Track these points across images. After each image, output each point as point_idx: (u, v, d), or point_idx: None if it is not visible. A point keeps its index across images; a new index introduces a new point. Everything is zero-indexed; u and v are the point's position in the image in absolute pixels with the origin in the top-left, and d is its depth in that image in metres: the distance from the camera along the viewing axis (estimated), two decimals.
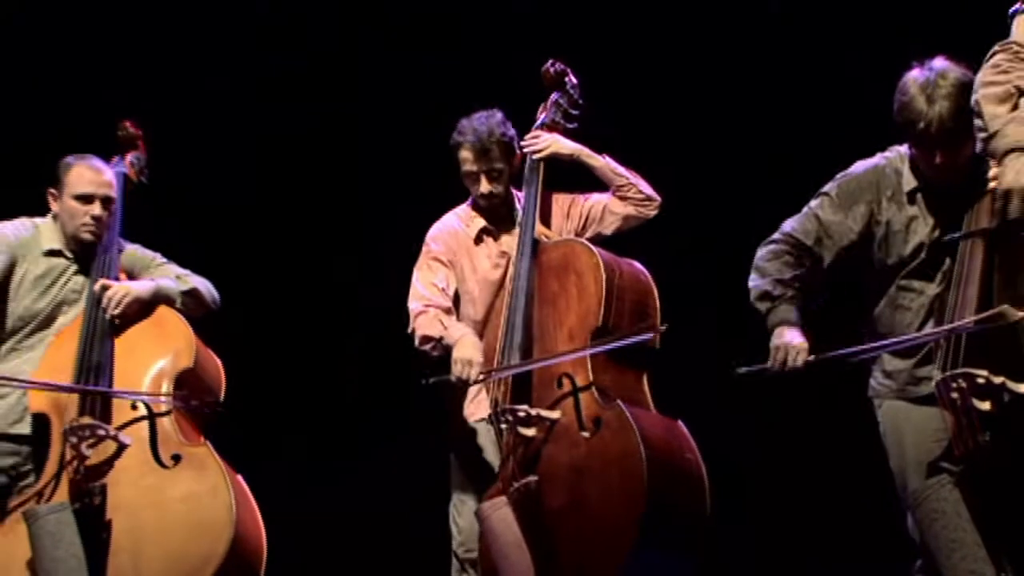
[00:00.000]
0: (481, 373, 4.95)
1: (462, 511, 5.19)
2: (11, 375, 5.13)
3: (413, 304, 5.19)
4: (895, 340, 4.37)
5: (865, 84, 5.08)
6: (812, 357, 4.42)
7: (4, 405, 5.21)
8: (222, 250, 5.77)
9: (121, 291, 5.20)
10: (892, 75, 4.32)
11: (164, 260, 5.45)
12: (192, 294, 5.33)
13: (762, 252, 4.56)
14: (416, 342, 5.15)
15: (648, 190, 5.29)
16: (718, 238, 6.16)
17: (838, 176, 4.52)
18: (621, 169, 5.28)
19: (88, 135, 5.53)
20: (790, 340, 4.43)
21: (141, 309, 5.24)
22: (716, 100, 6.36)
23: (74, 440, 4.99)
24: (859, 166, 4.50)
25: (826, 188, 4.51)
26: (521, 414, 4.94)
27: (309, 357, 6.72)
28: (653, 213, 5.29)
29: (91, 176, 5.25)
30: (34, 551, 4.87)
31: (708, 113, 6.35)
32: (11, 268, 5.22)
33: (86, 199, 5.24)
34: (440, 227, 5.35)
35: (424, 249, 5.30)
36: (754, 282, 4.54)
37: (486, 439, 5.18)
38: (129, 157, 5.52)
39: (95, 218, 5.24)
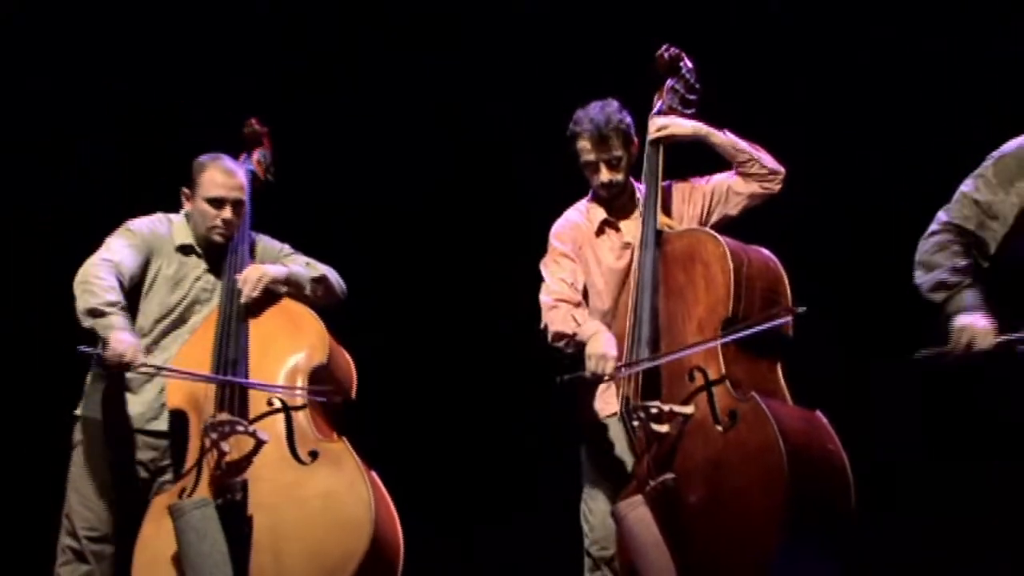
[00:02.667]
0: (617, 367, 4.86)
1: (594, 508, 5.12)
2: (148, 376, 5.13)
3: (544, 298, 5.12)
4: None
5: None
6: (1001, 339, 4.26)
7: (142, 402, 5.20)
8: (345, 250, 5.67)
9: (256, 272, 5.19)
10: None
11: (292, 250, 5.45)
12: (321, 281, 5.32)
13: (926, 246, 4.43)
14: (549, 338, 5.07)
15: (771, 163, 5.14)
16: (848, 221, 6.03)
17: (991, 156, 4.35)
18: (743, 144, 5.15)
19: (215, 132, 5.54)
20: (974, 322, 4.31)
21: (272, 297, 5.22)
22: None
23: (214, 436, 4.97)
24: (1013, 143, 4.33)
25: (980, 170, 4.35)
26: (653, 410, 4.82)
27: (442, 359, 6.66)
28: (778, 188, 5.15)
29: (223, 179, 5.24)
30: (180, 546, 4.86)
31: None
32: (147, 264, 5.19)
33: (218, 203, 5.24)
34: (562, 223, 5.29)
35: (549, 247, 5.24)
36: (923, 277, 4.42)
37: (617, 435, 5.08)
38: (256, 155, 5.52)
39: (226, 221, 5.25)
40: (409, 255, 6.61)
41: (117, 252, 5.12)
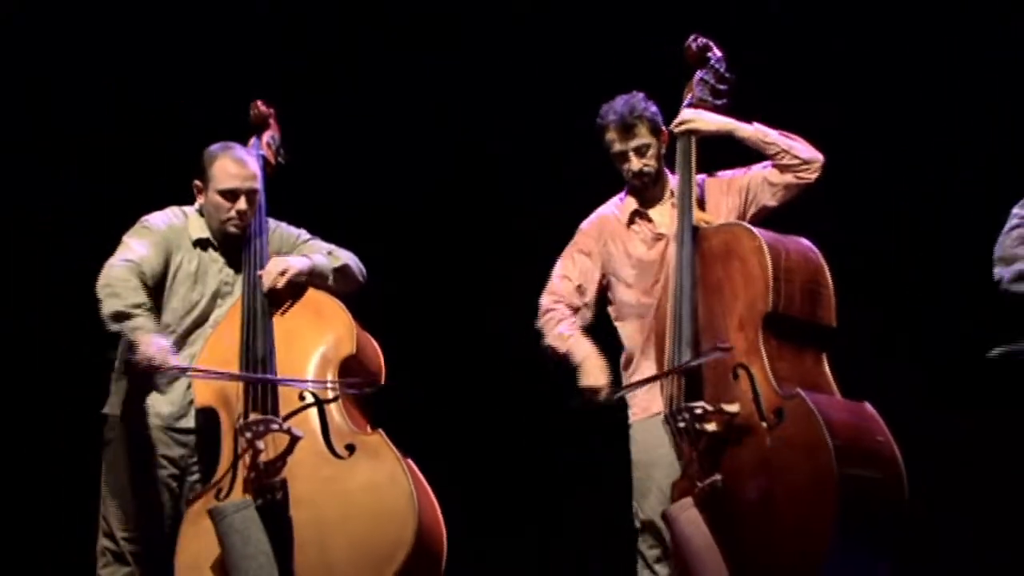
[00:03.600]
0: (613, 392, 4.96)
1: (644, 507, 5.08)
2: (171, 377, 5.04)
3: (544, 299, 5.19)
4: None
5: None
6: None
7: (170, 401, 5.11)
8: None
9: (279, 266, 5.09)
10: None
11: (309, 236, 5.32)
12: (343, 270, 5.22)
13: (1006, 241, 4.38)
14: (542, 342, 5.12)
15: (805, 152, 5.03)
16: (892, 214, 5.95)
17: None
18: (773, 135, 5.05)
19: (219, 116, 5.48)
20: None
21: (294, 289, 5.11)
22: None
23: (248, 436, 4.90)
24: None
25: None
26: (698, 410, 4.76)
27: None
28: (814, 176, 5.04)
29: (235, 170, 5.09)
30: (223, 549, 4.81)
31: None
32: (167, 261, 5.09)
33: (231, 195, 5.09)
34: (593, 215, 5.29)
35: (573, 239, 5.24)
36: (1004, 271, 4.33)
37: (664, 435, 5.00)
38: (265, 138, 5.35)
39: (240, 213, 5.10)
40: (409, 254, 6.54)
41: (138, 252, 5.01)
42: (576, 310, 5.14)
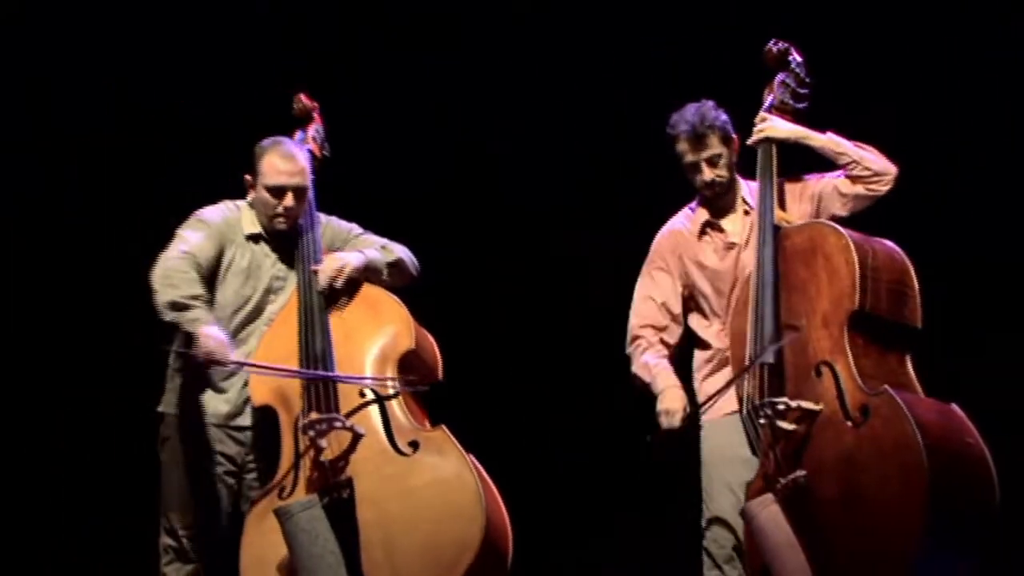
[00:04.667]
0: (688, 414, 4.93)
1: (712, 507, 5.02)
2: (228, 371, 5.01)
3: (631, 323, 5.18)
4: None
5: None
6: None
7: (226, 399, 5.09)
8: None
9: (335, 263, 5.07)
10: None
11: (361, 231, 5.30)
12: (397, 265, 5.19)
13: None
14: (632, 367, 5.11)
15: (878, 164, 5.00)
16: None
17: None
18: (847, 145, 5.03)
19: (263, 110, 5.44)
20: None
21: (350, 284, 5.09)
22: None
23: (311, 434, 4.88)
24: None
25: None
26: (780, 407, 4.72)
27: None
28: (885, 189, 5.01)
29: (283, 166, 5.06)
30: (290, 548, 4.77)
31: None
32: (220, 255, 5.06)
33: (278, 191, 5.06)
34: (664, 230, 5.24)
35: (648, 256, 5.20)
36: None
37: (737, 433, 4.95)
38: (310, 131, 5.34)
39: (288, 209, 5.07)
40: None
41: (193, 244, 4.98)
42: (663, 329, 5.09)
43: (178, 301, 4.81)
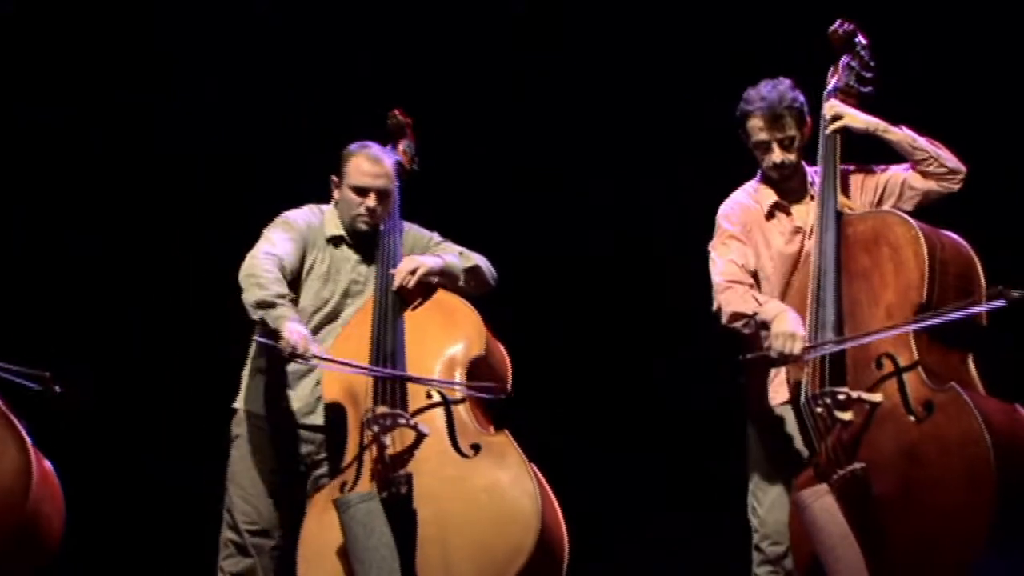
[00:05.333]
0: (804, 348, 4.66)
1: (763, 501, 4.96)
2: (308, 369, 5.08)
3: (716, 279, 4.94)
4: None
5: None
6: None
7: (299, 397, 5.14)
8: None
9: (412, 264, 5.12)
10: None
11: (441, 239, 5.36)
12: (474, 272, 5.25)
13: None
14: (724, 319, 4.88)
15: (952, 162, 4.92)
16: None
17: None
18: (922, 141, 4.93)
19: (360, 125, 5.44)
20: None
21: (426, 288, 5.15)
22: None
23: (375, 429, 4.89)
24: None
25: None
26: (841, 397, 4.63)
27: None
28: (957, 187, 4.94)
29: (368, 167, 5.15)
30: (347, 540, 4.78)
31: None
32: (303, 257, 5.14)
33: (362, 191, 5.15)
34: (730, 203, 5.09)
35: (718, 229, 5.05)
36: None
37: (790, 424, 4.89)
38: (401, 145, 5.44)
39: (370, 210, 5.15)
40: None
41: (279, 245, 5.07)
42: (751, 287, 4.90)
43: (265, 299, 4.88)
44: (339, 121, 5.39)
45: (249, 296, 4.90)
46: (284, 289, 4.93)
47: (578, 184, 6.48)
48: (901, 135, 4.95)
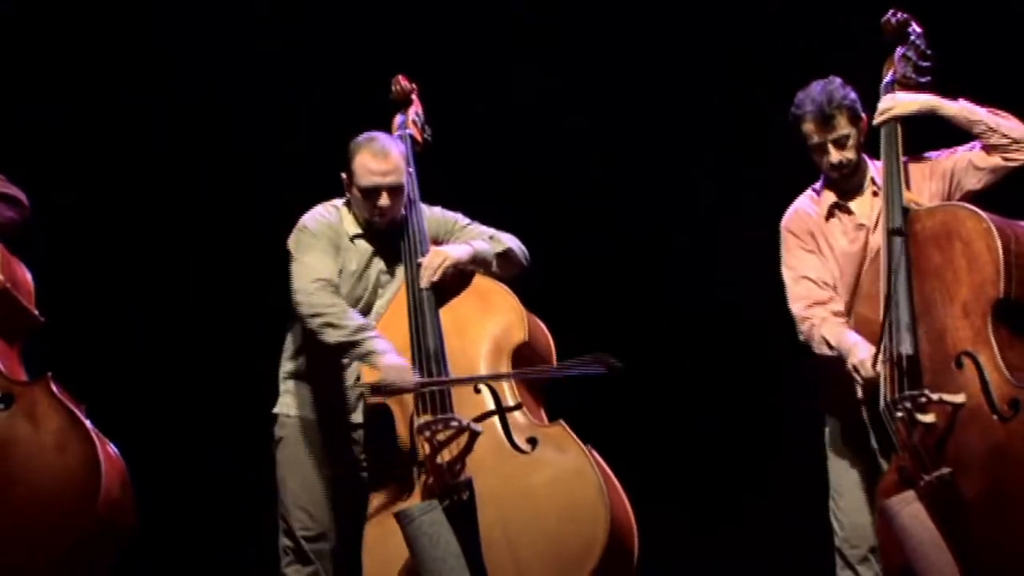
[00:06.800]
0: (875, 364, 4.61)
1: (844, 506, 4.87)
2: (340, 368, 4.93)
3: (794, 310, 4.88)
4: None
5: None
6: None
7: (338, 397, 4.98)
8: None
9: (438, 258, 4.91)
10: None
11: (467, 221, 5.11)
12: (506, 255, 5.02)
13: None
14: (811, 350, 4.85)
15: (1016, 131, 4.76)
16: None
17: None
18: (980, 112, 4.79)
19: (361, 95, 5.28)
20: None
21: (459, 276, 4.94)
22: None
23: (427, 435, 4.72)
24: None
25: None
26: (921, 399, 4.52)
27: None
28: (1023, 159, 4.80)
29: (375, 165, 4.88)
30: (413, 553, 4.62)
31: None
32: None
33: (372, 192, 4.90)
34: (791, 213, 5.00)
35: (784, 242, 4.97)
36: None
37: (860, 427, 4.79)
38: (410, 115, 5.17)
39: (382, 209, 4.91)
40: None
41: (319, 267, 4.87)
42: (828, 301, 4.82)
43: (345, 342, 4.75)
44: (339, 120, 5.16)
45: (327, 339, 4.76)
46: (357, 320, 4.78)
47: (579, 185, 6.36)
48: (957, 108, 4.81)
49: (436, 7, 6.25)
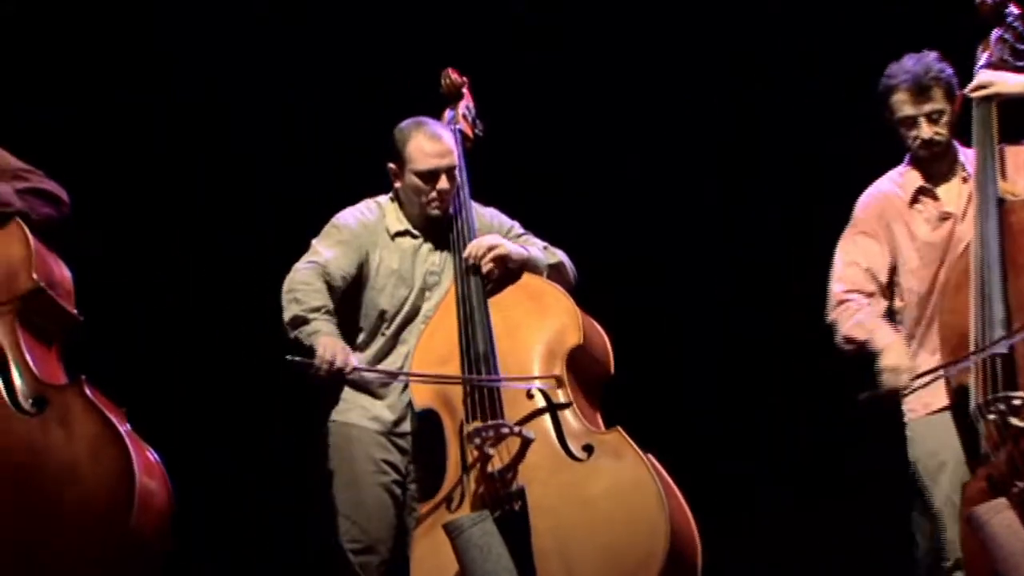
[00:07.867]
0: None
1: (926, 515, 4.60)
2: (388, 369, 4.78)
3: (833, 288, 4.68)
4: None
5: None
6: None
7: (386, 404, 4.83)
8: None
9: (492, 239, 4.75)
10: None
11: (522, 230, 4.97)
12: (558, 268, 4.90)
13: None
14: (836, 337, 4.62)
15: None
16: None
17: None
18: None
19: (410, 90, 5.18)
20: None
21: (511, 276, 4.77)
22: None
23: (477, 442, 4.54)
24: None
25: None
26: (1016, 402, 4.26)
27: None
28: None
29: (431, 147, 4.75)
30: (462, 565, 4.44)
31: None
32: (364, 259, 4.79)
33: (431, 175, 4.74)
34: (870, 193, 4.77)
35: (852, 220, 4.74)
36: None
37: (946, 434, 4.51)
38: (460, 109, 5.02)
39: (442, 192, 4.76)
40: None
41: (323, 253, 4.76)
42: (870, 295, 4.63)
43: (298, 316, 4.65)
44: (339, 120, 5.20)
45: (286, 315, 4.65)
46: (321, 301, 4.64)
47: (579, 185, 6.23)
48: None
49: (436, 7, 6.18)
